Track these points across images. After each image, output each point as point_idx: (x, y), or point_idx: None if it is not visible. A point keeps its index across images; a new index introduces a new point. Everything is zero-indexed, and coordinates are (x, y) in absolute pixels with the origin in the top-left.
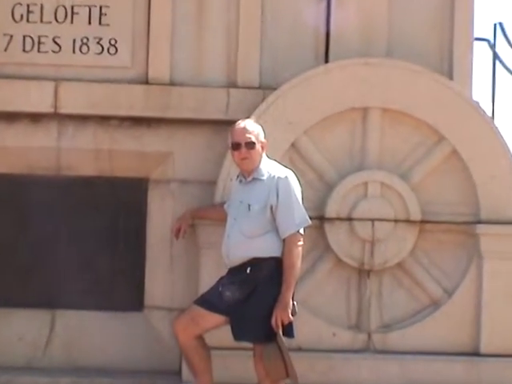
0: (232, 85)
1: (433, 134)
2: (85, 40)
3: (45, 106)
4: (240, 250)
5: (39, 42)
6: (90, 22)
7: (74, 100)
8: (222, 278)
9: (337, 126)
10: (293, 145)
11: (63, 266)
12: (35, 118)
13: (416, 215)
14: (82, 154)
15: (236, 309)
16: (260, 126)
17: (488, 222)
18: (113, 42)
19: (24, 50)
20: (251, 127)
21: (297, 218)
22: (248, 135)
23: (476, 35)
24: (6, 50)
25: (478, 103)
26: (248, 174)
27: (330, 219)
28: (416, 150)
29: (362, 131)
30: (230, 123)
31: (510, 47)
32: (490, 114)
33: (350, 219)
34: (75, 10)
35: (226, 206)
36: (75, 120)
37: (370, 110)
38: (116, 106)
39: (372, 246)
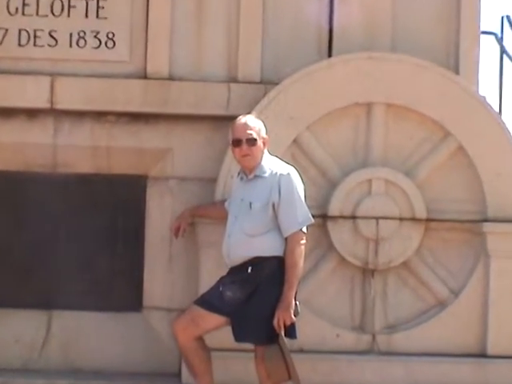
0: (233, 79)
1: (438, 130)
2: (82, 34)
3: (41, 102)
4: (241, 249)
5: (35, 36)
6: (87, 16)
7: (71, 95)
8: (222, 278)
9: (340, 122)
10: (295, 141)
11: (60, 265)
12: (31, 113)
13: (421, 213)
14: (79, 151)
15: (237, 309)
16: (261, 122)
17: (495, 220)
18: (110, 35)
19: (19, 44)
20: (252, 123)
21: (299, 216)
22: (249, 131)
23: (483, 29)
24: (1, 43)
25: (484, 98)
26: (249, 171)
27: (333, 217)
28: (421, 146)
29: (365, 127)
30: (231, 119)
31: None
32: (497, 109)
33: (353, 217)
34: (72, 2)
35: (226, 204)
36: (72, 116)
37: (373, 106)
38: (114, 101)
39: (376, 244)
